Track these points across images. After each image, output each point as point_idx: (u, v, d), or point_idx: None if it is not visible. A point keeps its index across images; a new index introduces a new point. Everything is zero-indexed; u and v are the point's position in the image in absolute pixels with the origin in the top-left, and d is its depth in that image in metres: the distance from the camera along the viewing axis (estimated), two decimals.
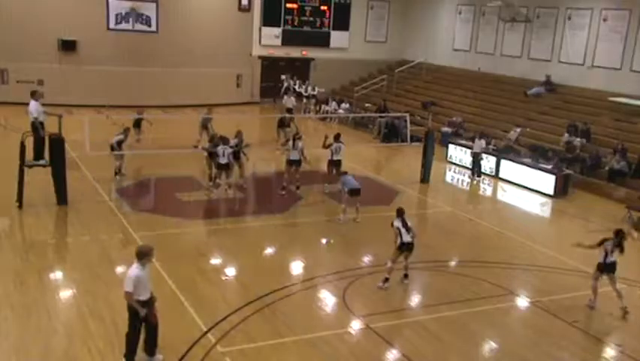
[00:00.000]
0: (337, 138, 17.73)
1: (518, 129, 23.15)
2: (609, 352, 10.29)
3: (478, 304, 11.46)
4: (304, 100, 30.42)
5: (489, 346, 10.37)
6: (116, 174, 17.76)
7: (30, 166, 15.20)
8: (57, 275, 11.84)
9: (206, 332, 9.76)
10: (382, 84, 31.85)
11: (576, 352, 10.12)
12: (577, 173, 20.11)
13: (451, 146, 23.05)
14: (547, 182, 19.29)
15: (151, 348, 8.86)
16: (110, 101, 27.42)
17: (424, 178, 19.58)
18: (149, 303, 8.65)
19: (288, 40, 32.34)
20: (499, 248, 14.59)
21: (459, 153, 22.57)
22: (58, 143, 14.95)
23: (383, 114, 26.31)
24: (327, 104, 30.25)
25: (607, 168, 19.70)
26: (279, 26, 32.07)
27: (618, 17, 23.70)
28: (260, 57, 32.13)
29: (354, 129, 27.59)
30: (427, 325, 10.58)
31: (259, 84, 32.49)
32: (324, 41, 33.20)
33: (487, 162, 21.16)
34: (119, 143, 17.52)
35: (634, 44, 23.15)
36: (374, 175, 20.69)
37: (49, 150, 15.20)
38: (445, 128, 25.26)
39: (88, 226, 14.12)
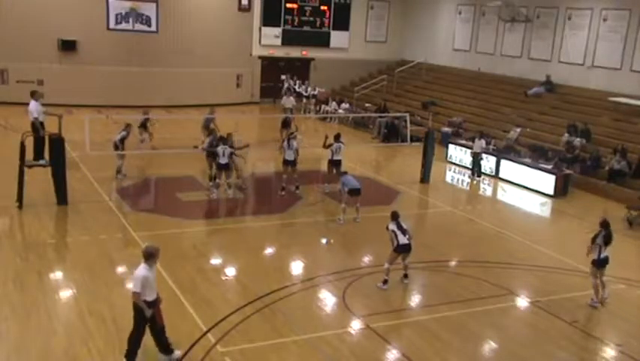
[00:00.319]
0: (337, 137, 17.73)
1: (518, 129, 23.16)
2: (609, 352, 10.28)
3: (478, 304, 11.46)
4: (304, 100, 30.43)
5: (489, 346, 10.37)
6: (118, 173, 17.77)
7: (30, 166, 15.21)
8: (57, 275, 11.84)
9: (206, 332, 9.77)
10: (382, 84, 31.84)
11: (576, 352, 10.12)
12: (577, 173, 20.11)
13: (451, 146, 23.05)
14: (547, 182, 19.29)
15: (164, 348, 8.87)
16: (110, 101, 27.51)
17: (424, 178, 19.59)
18: (155, 304, 8.67)
19: (288, 40, 32.34)
20: (499, 248, 14.59)
21: (459, 153, 22.57)
22: (58, 143, 14.95)
23: (383, 114, 26.32)
24: (327, 104, 30.25)
25: (607, 168, 19.70)
26: (279, 26, 32.07)
27: (618, 17, 23.69)
28: (260, 57, 32.13)
29: (354, 129, 27.59)
30: (427, 325, 10.58)
31: (259, 84, 32.49)
32: (324, 41, 33.20)
33: (487, 162, 21.17)
34: (122, 140, 17.54)
35: (634, 44, 23.14)
36: (374, 175, 20.70)
37: (49, 150, 15.20)
38: (445, 129, 25.26)
39: (88, 226, 14.13)
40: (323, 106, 30.15)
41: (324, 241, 14.42)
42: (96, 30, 28.13)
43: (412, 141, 22.66)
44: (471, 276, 12.70)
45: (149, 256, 8.59)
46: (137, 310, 8.59)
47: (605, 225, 11.68)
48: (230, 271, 12.58)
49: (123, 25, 28.72)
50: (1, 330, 9.59)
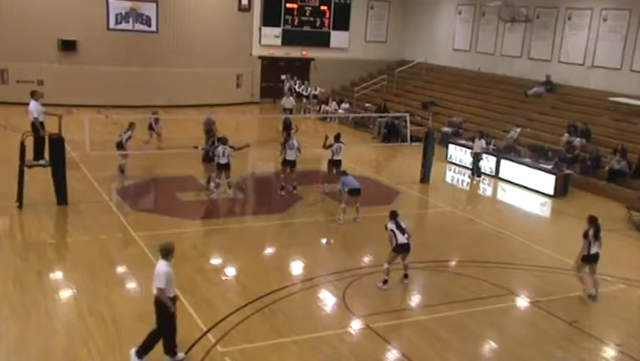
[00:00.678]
0: (338, 138, 17.73)
1: (518, 129, 23.16)
2: (609, 352, 10.28)
3: (478, 304, 11.46)
4: (304, 100, 30.43)
5: (489, 346, 10.37)
6: (122, 172, 17.75)
7: (30, 166, 15.20)
8: (57, 275, 11.84)
9: (206, 332, 9.77)
10: (382, 84, 31.85)
11: (576, 352, 10.12)
12: (577, 173, 20.11)
13: (451, 146, 23.05)
14: (547, 182, 19.29)
15: (171, 348, 8.86)
16: (110, 101, 27.51)
17: (424, 178, 19.59)
18: (174, 301, 8.76)
19: (288, 40, 32.34)
20: (499, 248, 14.59)
21: (459, 153, 22.57)
22: (58, 143, 14.95)
23: (383, 114, 26.32)
24: (327, 104, 30.26)
25: (607, 168, 19.70)
26: (279, 26, 32.07)
27: (618, 17, 23.69)
28: (260, 57, 32.14)
29: (354, 129, 27.59)
30: (427, 325, 10.58)
31: (259, 84, 32.50)
32: (324, 41, 33.20)
33: (487, 162, 21.17)
34: (128, 139, 17.58)
35: (634, 44, 23.14)
36: (374, 175, 20.69)
37: (49, 150, 15.20)
38: (445, 129, 25.26)
39: (88, 226, 14.13)
40: (323, 106, 30.16)
41: (324, 241, 14.42)
42: (96, 30, 28.13)
43: (412, 141, 22.66)
44: (471, 276, 12.70)
45: (168, 252, 8.70)
46: (161, 307, 8.61)
47: (592, 220, 11.85)
48: (230, 271, 12.57)
49: (123, 25, 28.72)
50: (1, 330, 9.59)
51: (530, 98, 25.93)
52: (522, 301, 11.95)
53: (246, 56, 31.62)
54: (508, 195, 19.73)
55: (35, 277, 11.44)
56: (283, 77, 32.07)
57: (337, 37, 33.44)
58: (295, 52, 32.80)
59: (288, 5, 32.03)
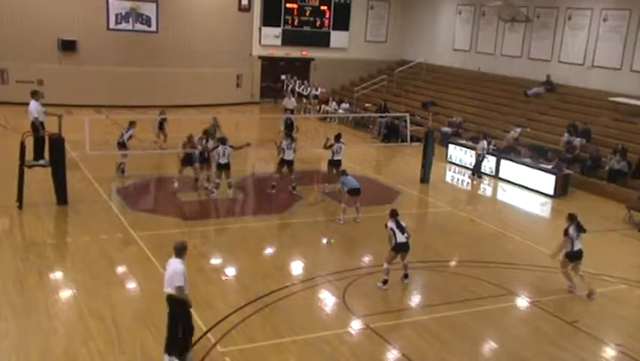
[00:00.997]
0: (338, 138, 17.73)
1: (518, 129, 23.16)
2: (609, 352, 10.29)
3: (478, 304, 11.47)
4: (304, 100, 30.42)
5: (489, 346, 10.38)
6: (122, 171, 17.76)
7: (30, 166, 15.20)
8: (57, 275, 11.84)
9: (206, 332, 9.76)
10: (382, 84, 31.86)
11: (576, 352, 10.12)
12: (577, 173, 20.12)
13: (451, 146, 23.05)
14: (547, 182, 19.29)
15: (169, 348, 8.86)
16: (110, 101, 27.52)
17: (424, 178, 19.59)
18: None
19: (288, 40, 32.34)
20: (499, 248, 14.59)
21: (459, 153, 22.57)
22: (58, 143, 14.95)
23: (383, 114, 26.32)
24: (327, 104, 30.26)
25: (607, 168, 19.70)
26: (279, 26, 32.07)
27: (618, 17, 23.69)
28: (260, 57, 32.14)
29: (354, 129, 27.59)
30: (427, 325, 10.58)
31: (259, 84, 32.50)
32: (324, 41, 33.19)
33: (487, 162, 21.16)
34: (129, 138, 17.59)
35: (634, 44, 23.14)
36: (374, 175, 20.69)
37: (49, 150, 15.20)
38: (445, 128, 25.26)
39: (88, 226, 14.12)
40: (323, 106, 30.16)
41: (324, 240, 14.43)
42: (96, 30, 28.13)
43: (412, 141, 22.66)
44: (471, 276, 12.70)
45: (182, 251, 8.76)
46: (177, 305, 8.62)
47: (572, 217, 12.14)
48: (230, 271, 12.57)
49: (123, 25, 28.73)
50: (1, 330, 9.59)
51: (530, 98, 25.93)
52: (522, 301, 11.95)
53: (246, 56, 31.62)
54: (508, 195, 19.73)
55: (35, 277, 11.44)
56: (283, 77, 32.09)
57: (337, 37, 33.44)
58: (295, 52, 32.81)
59: (288, 5, 32.03)
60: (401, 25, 34.67)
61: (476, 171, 20.79)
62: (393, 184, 19.41)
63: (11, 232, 13.70)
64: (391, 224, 11.76)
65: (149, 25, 29.20)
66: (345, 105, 29.69)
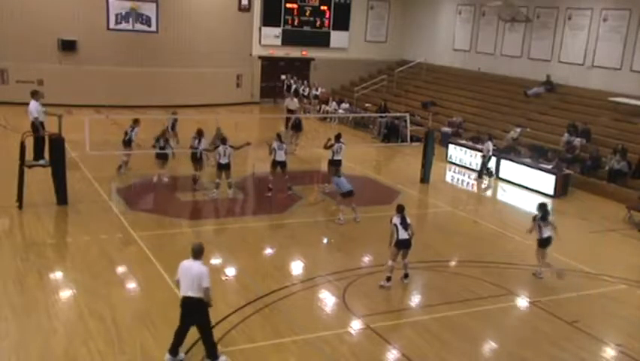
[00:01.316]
0: (338, 138, 17.74)
1: (518, 129, 23.16)
2: (609, 352, 10.29)
3: (478, 304, 11.46)
4: (304, 100, 30.41)
5: (489, 346, 10.38)
6: (119, 168, 17.80)
7: (30, 166, 15.20)
8: (57, 275, 11.84)
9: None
10: (382, 84, 31.86)
11: (576, 352, 10.12)
12: (577, 173, 20.11)
13: (451, 146, 23.05)
14: (547, 182, 19.29)
15: (175, 349, 8.88)
16: (110, 101, 27.53)
17: (424, 178, 19.59)
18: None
19: (288, 40, 32.35)
20: (499, 248, 14.59)
21: (459, 153, 22.57)
22: (58, 143, 14.95)
23: (383, 114, 26.31)
24: (327, 104, 30.26)
25: (607, 168, 19.70)
26: (279, 26, 32.07)
27: (618, 17, 23.69)
28: (260, 57, 32.14)
29: (354, 129, 27.59)
30: (427, 325, 10.58)
31: (259, 84, 32.50)
32: (324, 41, 33.20)
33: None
34: (135, 135, 17.71)
35: (634, 44, 23.14)
36: (374, 175, 20.70)
37: (49, 150, 15.19)
38: (445, 128, 25.26)
39: (88, 226, 14.12)
40: (323, 106, 30.16)
41: (325, 240, 14.44)
42: (96, 30, 28.13)
43: (412, 141, 22.65)
44: (471, 276, 12.70)
45: (201, 253, 8.75)
46: (204, 307, 8.64)
47: (541, 206, 12.92)
48: (230, 271, 12.57)
49: (123, 25, 28.73)
50: (1, 330, 9.59)
51: (530, 98, 25.93)
52: (522, 301, 11.95)
53: (246, 56, 31.62)
54: (508, 195, 19.73)
55: (35, 277, 11.44)
56: (283, 77, 32.09)
57: (337, 37, 33.44)
58: (295, 52, 32.81)
59: (288, 5, 32.04)
60: (401, 25, 34.67)
61: (483, 173, 20.71)
62: (393, 184, 19.40)
63: (11, 232, 13.70)
64: (396, 220, 11.76)
65: (149, 25, 29.19)
66: (345, 105, 29.69)
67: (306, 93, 30.70)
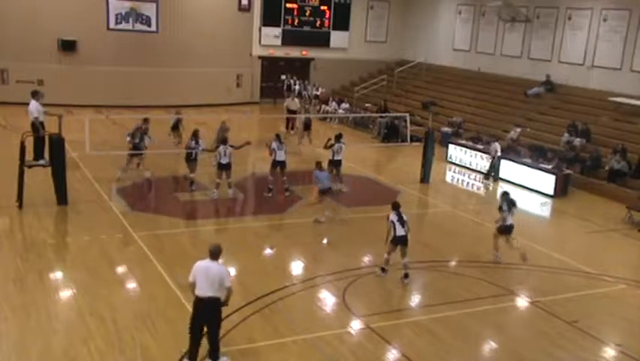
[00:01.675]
0: (338, 138, 17.73)
1: (518, 129, 23.16)
2: (609, 352, 10.29)
3: (478, 304, 11.46)
4: (305, 100, 30.40)
5: (489, 346, 10.38)
6: (137, 165, 17.78)
7: (30, 166, 15.19)
8: (57, 275, 11.84)
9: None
10: (382, 84, 31.85)
11: (576, 352, 10.12)
12: (577, 173, 20.11)
13: (451, 146, 23.05)
14: (547, 182, 19.29)
15: (218, 351, 8.88)
16: (110, 101, 27.53)
17: (424, 178, 19.58)
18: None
19: (288, 40, 32.33)
20: (499, 248, 14.57)
21: (459, 153, 22.57)
22: (58, 143, 14.95)
23: (383, 114, 26.31)
24: (327, 104, 30.26)
25: (607, 168, 19.70)
26: (279, 26, 32.06)
27: (618, 17, 23.69)
28: (260, 57, 32.13)
29: (354, 129, 27.59)
30: (427, 325, 10.58)
31: (259, 84, 32.50)
32: (324, 41, 33.19)
33: (488, 162, 21.16)
34: (142, 136, 17.69)
35: (634, 44, 23.13)
36: (374, 175, 20.69)
37: (49, 150, 15.19)
38: (445, 128, 25.26)
39: (88, 226, 14.12)
40: (323, 106, 30.16)
41: (325, 240, 14.44)
42: (96, 30, 28.12)
43: (412, 141, 22.65)
44: (471, 276, 12.70)
45: (219, 253, 8.78)
46: (220, 306, 8.65)
47: (504, 194, 13.56)
48: (231, 271, 12.51)
49: (123, 25, 28.72)
50: (1, 330, 9.59)
51: (530, 98, 25.93)
52: (522, 301, 11.95)
53: (246, 56, 31.61)
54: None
55: (35, 277, 11.44)
56: (283, 77, 32.08)
57: (337, 37, 33.43)
58: (295, 52, 32.80)
59: (288, 5, 32.02)
60: (401, 25, 34.66)
61: (491, 174, 20.64)
62: (393, 184, 19.40)
63: (11, 232, 13.69)
64: (393, 216, 11.85)
65: (149, 25, 29.18)
66: (345, 105, 29.69)
67: (309, 93, 30.69)
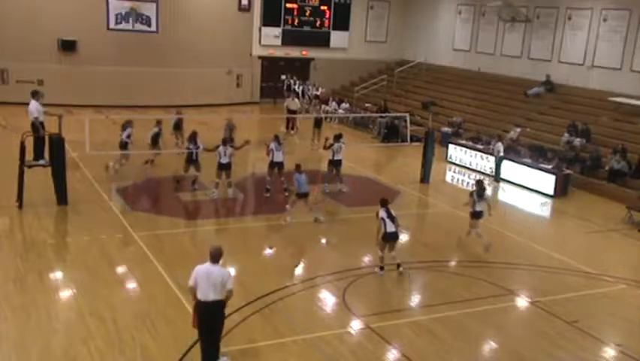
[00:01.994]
0: (338, 138, 17.74)
1: (518, 129, 23.16)
2: (609, 352, 10.29)
3: (478, 304, 11.46)
4: (305, 100, 30.40)
5: (489, 346, 10.38)
6: (146, 162, 18.02)
7: (30, 166, 15.19)
8: (57, 275, 11.84)
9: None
10: (382, 84, 31.85)
11: (576, 352, 10.12)
12: (577, 173, 20.11)
13: (451, 146, 23.05)
14: (547, 182, 19.29)
15: (218, 352, 8.85)
16: (110, 101, 27.53)
17: (424, 178, 19.58)
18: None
19: (288, 40, 32.33)
20: (499, 248, 14.56)
21: (459, 153, 22.58)
22: (58, 143, 14.95)
23: (383, 114, 26.31)
24: (327, 104, 30.25)
25: (607, 168, 19.70)
26: (279, 26, 32.07)
27: (618, 17, 23.69)
28: (260, 57, 32.13)
29: (354, 129, 27.59)
30: (427, 325, 10.58)
31: (259, 84, 32.50)
32: (324, 41, 33.18)
33: (488, 162, 21.16)
34: (156, 136, 17.67)
35: (634, 44, 23.13)
36: (374, 175, 20.69)
37: (49, 150, 15.19)
38: (445, 128, 25.26)
39: (88, 226, 14.12)
40: (323, 106, 30.13)
41: (325, 240, 14.44)
42: (96, 30, 28.11)
43: (412, 141, 22.65)
44: (471, 276, 12.70)
45: (220, 256, 8.76)
46: (223, 308, 8.66)
47: (478, 183, 14.34)
48: (231, 271, 12.53)
49: (123, 25, 28.71)
50: (1, 330, 9.59)
51: (530, 98, 25.93)
52: (522, 301, 11.95)
53: (246, 56, 31.61)
54: (508, 195, 19.72)
55: (35, 277, 11.44)
56: (283, 77, 32.07)
57: (337, 37, 33.43)
58: (295, 52, 32.80)
59: (288, 5, 32.02)
60: (401, 25, 34.66)
61: (499, 176, 20.57)
62: (394, 184, 19.40)
63: (11, 232, 13.69)
64: (383, 213, 11.98)
65: (149, 25, 29.18)
66: (345, 105, 29.69)
67: (311, 93, 30.69)
